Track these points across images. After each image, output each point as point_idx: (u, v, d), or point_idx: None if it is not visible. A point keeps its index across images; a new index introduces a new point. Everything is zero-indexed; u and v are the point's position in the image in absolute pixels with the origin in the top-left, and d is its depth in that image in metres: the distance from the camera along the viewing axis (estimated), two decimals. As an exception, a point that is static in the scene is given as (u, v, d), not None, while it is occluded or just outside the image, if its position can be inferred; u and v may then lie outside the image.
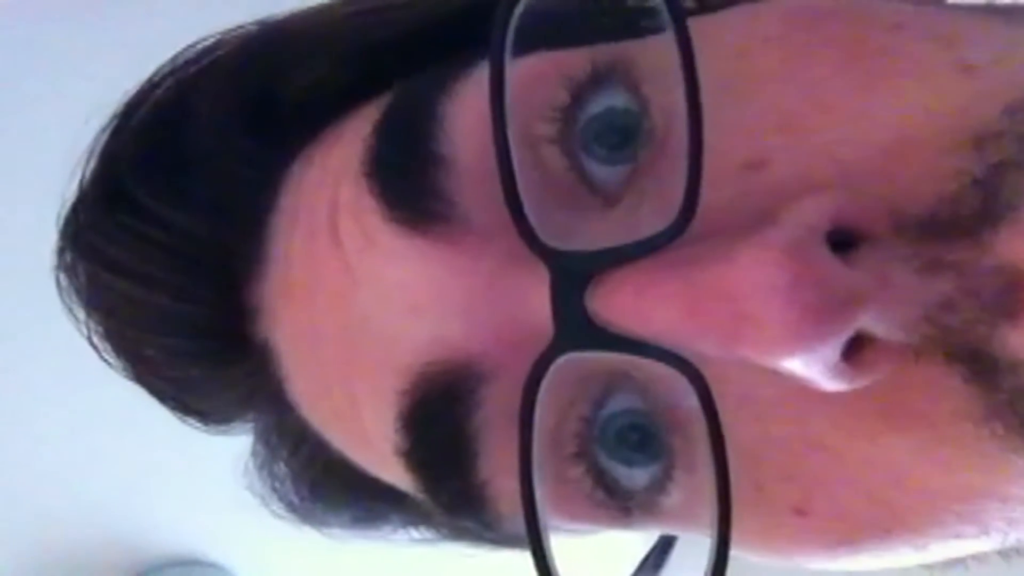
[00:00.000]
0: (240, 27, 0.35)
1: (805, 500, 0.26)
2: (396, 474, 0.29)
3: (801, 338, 0.21)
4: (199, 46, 0.35)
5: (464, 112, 0.27)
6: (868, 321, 0.22)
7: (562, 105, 0.26)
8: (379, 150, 0.27)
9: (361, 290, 0.27)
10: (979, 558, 0.28)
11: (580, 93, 0.26)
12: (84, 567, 0.86)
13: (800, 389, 0.23)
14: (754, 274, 0.22)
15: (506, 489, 0.26)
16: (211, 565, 0.90)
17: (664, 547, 0.33)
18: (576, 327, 0.24)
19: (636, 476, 0.27)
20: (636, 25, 0.28)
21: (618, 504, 0.27)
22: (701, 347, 0.23)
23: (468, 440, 0.26)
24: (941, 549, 0.26)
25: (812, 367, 0.22)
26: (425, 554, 0.39)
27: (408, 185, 0.26)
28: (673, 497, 0.27)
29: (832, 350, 0.22)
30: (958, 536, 0.25)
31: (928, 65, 0.24)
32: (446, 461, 0.27)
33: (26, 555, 0.83)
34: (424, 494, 0.29)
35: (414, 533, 0.37)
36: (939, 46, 0.24)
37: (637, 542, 0.32)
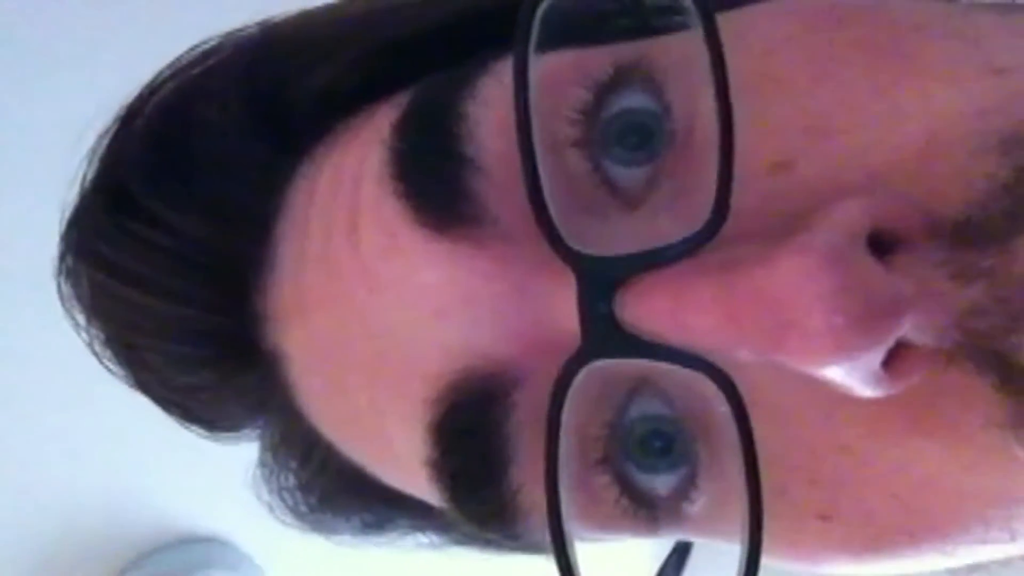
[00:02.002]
0: (243, 28, 0.34)
1: (830, 504, 0.25)
2: (419, 484, 0.28)
3: (847, 347, 0.21)
4: (201, 48, 0.34)
5: (488, 113, 0.26)
6: (907, 328, 0.22)
7: (585, 106, 0.26)
8: (405, 151, 0.27)
9: (383, 295, 0.27)
10: (1004, 563, 0.27)
11: (602, 93, 0.26)
12: (91, 547, 0.85)
13: (829, 394, 0.23)
14: (797, 280, 0.21)
15: (537, 499, 0.25)
16: (221, 543, 0.89)
17: (681, 553, 0.32)
18: (604, 334, 0.24)
19: (660, 483, 0.26)
20: (658, 23, 0.27)
21: (645, 512, 0.27)
22: (739, 354, 0.23)
23: (500, 449, 0.26)
24: (967, 553, 0.26)
25: (853, 375, 0.22)
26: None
27: (437, 187, 0.26)
28: (698, 504, 0.26)
29: (875, 358, 0.22)
30: (985, 540, 0.25)
31: (957, 67, 0.24)
32: (478, 470, 0.27)
33: (33, 537, 0.82)
34: (451, 504, 0.28)
35: (422, 538, 0.37)
36: (966, 48, 0.24)
37: (655, 548, 0.32)
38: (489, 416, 0.26)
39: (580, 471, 0.26)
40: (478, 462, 0.26)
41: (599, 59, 0.26)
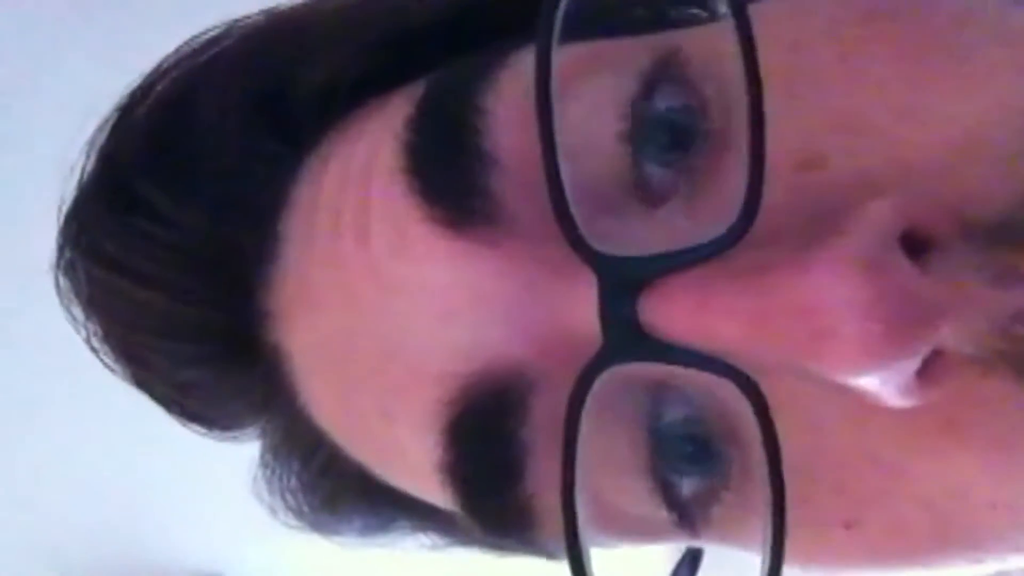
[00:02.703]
0: (246, 17, 0.34)
1: (856, 513, 0.25)
2: (429, 488, 0.28)
3: (883, 355, 0.21)
4: (205, 36, 0.33)
5: (507, 106, 0.25)
6: (944, 335, 0.21)
7: (631, 97, 0.25)
8: (419, 145, 0.26)
9: (393, 294, 0.26)
10: (1028, 571, 0.27)
11: (649, 84, 0.25)
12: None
13: (859, 402, 0.22)
14: (831, 286, 0.21)
15: (551, 505, 0.25)
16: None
17: (694, 557, 0.32)
18: (625, 337, 0.23)
19: (691, 487, 0.26)
20: (682, 15, 0.27)
21: (681, 517, 0.26)
22: (768, 360, 0.22)
23: (516, 453, 0.25)
24: (995, 562, 0.25)
25: (887, 384, 0.21)
26: (435, 559, 0.38)
27: (452, 182, 0.25)
28: (724, 509, 0.26)
29: (911, 366, 0.21)
30: (1016, 550, 0.24)
31: (993, 64, 0.23)
32: (492, 475, 0.26)
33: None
34: (463, 509, 0.27)
35: (424, 539, 0.36)
36: (1008, 44, 0.23)
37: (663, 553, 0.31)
38: (505, 421, 0.25)
39: (608, 478, 0.26)
40: (492, 467, 0.26)
41: (635, 50, 0.25)
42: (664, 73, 0.25)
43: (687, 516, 0.26)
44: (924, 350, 0.21)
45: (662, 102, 0.25)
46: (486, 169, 0.25)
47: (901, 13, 0.24)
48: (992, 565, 0.25)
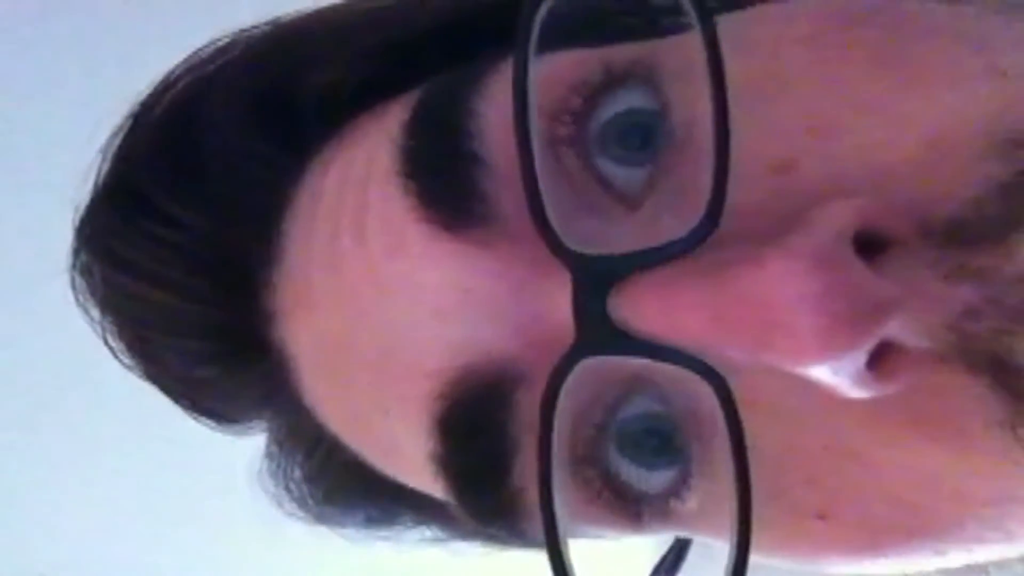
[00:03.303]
0: (254, 27, 0.35)
1: (827, 505, 0.25)
2: (424, 481, 0.29)
3: (830, 346, 0.21)
4: (213, 46, 0.34)
5: (496, 111, 0.26)
6: (894, 329, 0.22)
7: (574, 109, 0.26)
8: (415, 149, 0.27)
9: (389, 294, 0.27)
10: (1001, 565, 0.27)
11: (593, 96, 0.26)
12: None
13: (825, 396, 0.23)
14: (783, 281, 0.22)
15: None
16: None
17: (680, 549, 0.33)
18: (598, 332, 0.24)
19: (652, 480, 0.27)
20: (663, 24, 0.27)
21: (629, 508, 0.27)
22: (728, 353, 0.23)
23: (505, 446, 0.26)
24: (961, 553, 0.26)
25: (839, 374, 0.22)
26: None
27: (446, 184, 0.26)
28: (690, 502, 0.27)
29: (859, 358, 0.22)
30: (981, 541, 0.25)
31: (961, 69, 0.24)
32: (482, 467, 0.27)
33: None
34: (456, 501, 0.28)
35: (427, 532, 0.37)
36: (972, 50, 0.24)
37: (654, 544, 0.32)
38: (494, 414, 0.26)
39: (573, 467, 0.26)
40: (483, 460, 0.27)
41: (591, 61, 0.26)
42: (618, 81, 0.26)
43: (641, 508, 0.27)
44: (869, 343, 0.22)
45: (612, 109, 0.26)
46: (478, 171, 0.26)
47: (876, 20, 0.25)
48: (958, 557, 0.26)
